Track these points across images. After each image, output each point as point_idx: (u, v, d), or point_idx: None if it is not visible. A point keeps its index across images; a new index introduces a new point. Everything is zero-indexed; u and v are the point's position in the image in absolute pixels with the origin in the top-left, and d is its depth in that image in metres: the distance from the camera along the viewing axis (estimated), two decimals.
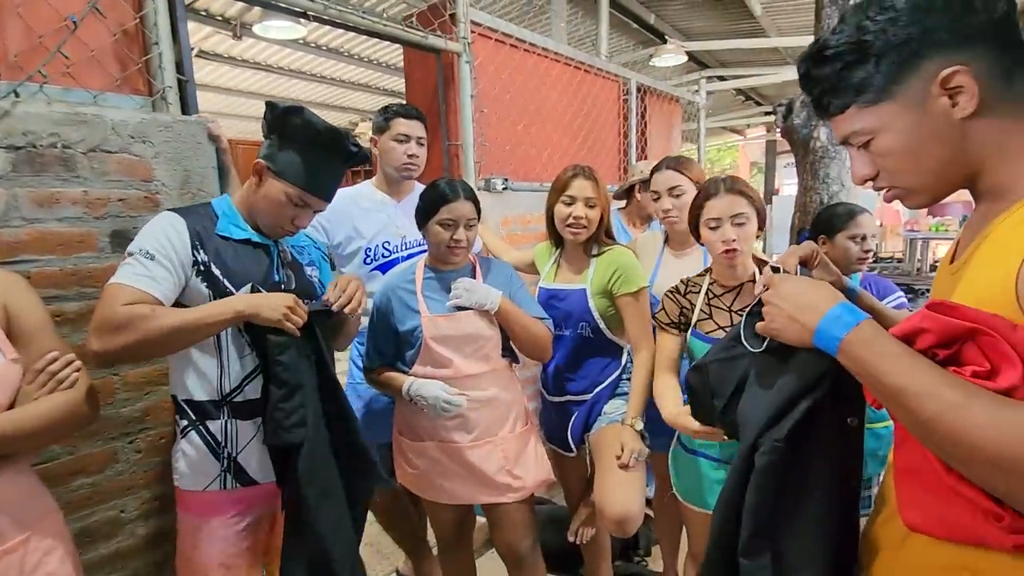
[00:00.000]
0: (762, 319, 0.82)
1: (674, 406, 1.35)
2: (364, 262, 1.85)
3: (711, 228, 1.36)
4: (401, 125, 1.83)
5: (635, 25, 4.80)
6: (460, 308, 1.46)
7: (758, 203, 1.38)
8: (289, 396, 1.13)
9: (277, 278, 1.25)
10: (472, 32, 2.22)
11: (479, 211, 1.52)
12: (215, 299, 1.14)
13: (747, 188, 1.38)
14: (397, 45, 2.38)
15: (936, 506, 0.64)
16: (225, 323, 1.11)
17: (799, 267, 0.89)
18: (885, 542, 0.76)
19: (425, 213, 1.49)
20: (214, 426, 1.19)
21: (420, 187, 2.00)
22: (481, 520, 1.85)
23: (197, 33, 4.20)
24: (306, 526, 1.15)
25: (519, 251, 2.06)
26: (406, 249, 1.88)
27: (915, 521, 0.67)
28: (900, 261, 6.54)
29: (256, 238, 1.23)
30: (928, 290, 4.25)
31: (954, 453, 0.58)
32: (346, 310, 1.23)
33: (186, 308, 1.10)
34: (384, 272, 1.84)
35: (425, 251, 1.84)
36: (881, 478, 2.24)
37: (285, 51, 4.79)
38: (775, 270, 0.88)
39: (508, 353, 1.54)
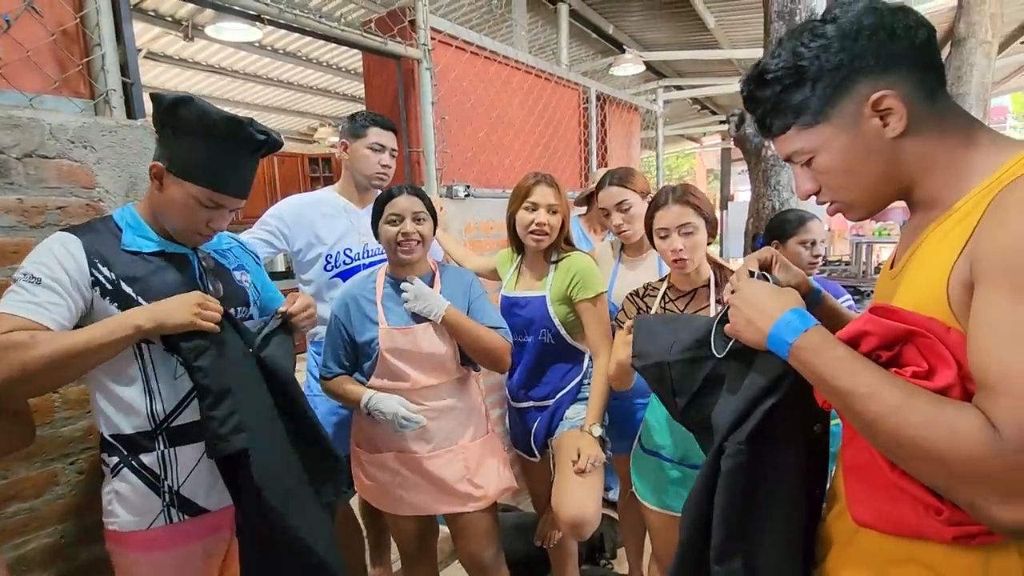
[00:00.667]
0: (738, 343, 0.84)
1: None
2: (325, 268, 1.82)
3: (661, 238, 1.40)
4: (376, 134, 1.82)
5: (594, 35, 4.89)
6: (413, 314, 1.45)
7: (707, 212, 1.40)
8: (217, 402, 1.03)
9: (203, 288, 1.16)
10: (432, 39, 2.21)
11: (431, 210, 1.50)
12: None
13: (695, 198, 1.40)
14: (356, 50, 2.34)
15: (882, 503, 0.67)
16: (125, 341, 0.99)
17: (763, 273, 0.92)
18: (837, 536, 0.79)
19: (374, 218, 1.49)
20: (149, 459, 1.09)
21: None
22: (444, 530, 1.83)
23: (146, 34, 4.04)
24: (276, 537, 1.06)
25: (482, 258, 2.06)
26: (368, 256, 1.86)
27: (863, 517, 0.70)
28: (847, 264, 6.83)
29: (170, 248, 1.13)
30: (872, 292, 4.46)
31: (896, 451, 0.61)
32: (298, 319, 1.19)
33: (76, 330, 0.98)
34: (345, 279, 1.81)
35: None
36: (831, 474, 2.34)
37: (240, 54, 4.66)
38: (751, 275, 0.90)
39: (468, 361, 1.53)
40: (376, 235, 1.52)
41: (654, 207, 1.43)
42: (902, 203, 0.77)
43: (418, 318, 1.45)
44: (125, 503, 1.10)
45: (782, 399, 0.78)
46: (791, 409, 0.79)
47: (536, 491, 1.88)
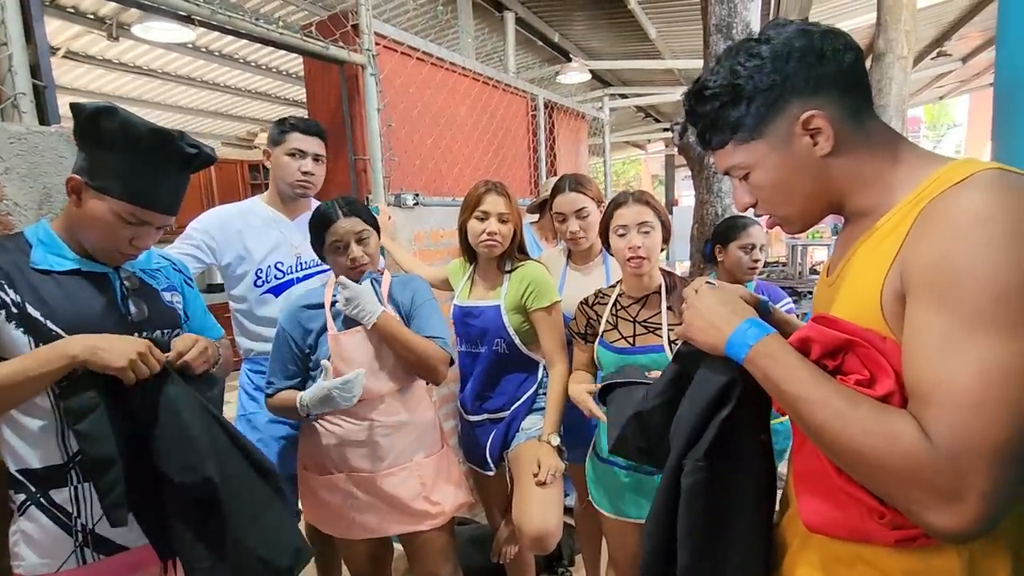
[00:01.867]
0: (687, 346, 0.85)
1: (580, 386, 1.44)
2: (255, 284, 1.73)
3: (619, 235, 1.42)
4: (296, 140, 1.72)
5: (540, 43, 4.94)
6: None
7: (663, 215, 1.45)
8: (100, 471, 0.94)
9: (123, 311, 1.07)
10: (377, 44, 2.16)
11: (372, 222, 1.45)
12: (39, 347, 0.95)
13: (654, 200, 1.45)
14: (296, 54, 2.26)
15: (829, 508, 0.69)
16: (57, 373, 0.92)
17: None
18: (791, 539, 0.81)
19: (315, 244, 1.45)
20: (60, 496, 1.01)
21: (316, 204, 1.92)
22: (399, 547, 1.77)
23: (64, 32, 3.77)
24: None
25: (432, 268, 2.03)
26: (302, 269, 1.78)
27: (812, 522, 0.72)
28: (784, 265, 7.18)
29: (87, 266, 1.05)
30: (809, 292, 4.70)
31: (840, 456, 0.63)
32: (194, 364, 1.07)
33: (2, 362, 0.92)
34: (277, 295, 1.73)
35: (324, 271, 1.79)
36: (781, 471, 2.42)
37: (171, 55, 4.42)
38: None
39: None
40: (321, 258, 1.49)
41: (614, 206, 1.46)
42: None
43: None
44: (33, 544, 1.01)
45: (733, 411, 0.79)
46: (741, 421, 0.80)
47: (491, 505, 1.85)
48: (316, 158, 1.76)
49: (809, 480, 0.73)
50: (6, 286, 0.96)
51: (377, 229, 1.49)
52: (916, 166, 0.68)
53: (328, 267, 1.79)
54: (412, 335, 1.41)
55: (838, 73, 0.70)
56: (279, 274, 1.75)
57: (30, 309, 0.97)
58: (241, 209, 1.79)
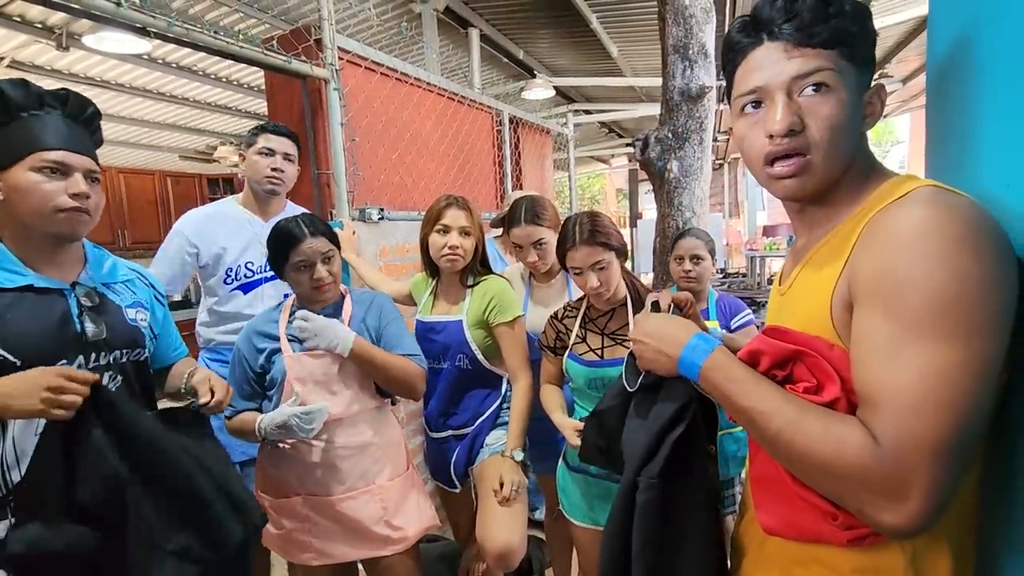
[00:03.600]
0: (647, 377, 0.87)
1: (560, 412, 1.45)
2: (224, 282, 1.76)
3: (576, 274, 1.42)
4: (266, 139, 1.81)
5: (505, 59, 5.01)
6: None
7: (616, 243, 1.40)
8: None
9: (78, 330, 1.02)
10: (340, 59, 2.15)
11: (335, 241, 1.43)
12: None
13: (602, 233, 1.37)
14: (257, 67, 2.23)
15: (785, 511, 0.71)
16: None
17: (675, 308, 0.97)
18: (748, 543, 0.83)
19: (276, 261, 1.39)
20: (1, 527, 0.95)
21: (292, 205, 1.97)
22: (363, 571, 1.73)
23: (10, 41, 3.62)
24: None
25: (397, 283, 2.01)
26: (271, 269, 1.78)
27: (770, 525, 0.74)
28: (744, 276, 7.41)
29: (40, 282, 1.00)
30: (767, 301, 4.86)
31: (793, 462, 0.65)
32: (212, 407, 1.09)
33: None
34: (246, 293, 1.78)
35: None
36: (743, 477, 2.47)
37: (125, 66, 4.29)
38: (655, 306, 0.94)
39: (383, 391, 1.47)
40: (279, 275, 1.43)
41: (563, 246, 1.41)
42: (787, 220, 0.83)
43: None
44: None
45: (687, 429, 0.81)
46: (693, 436, 0.82)
47: (458, 522, 1.84)
48: (286, 156, 1.85)
49: (765, 485, 0.75)
50: None
51: (339, 247, 1.47)
52: (875, 180, 0.71)
53: None
54: (387, 355, 1.39)
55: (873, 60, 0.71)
56: (248, 273, 1.80)
57: None
58: (214, 209, 1.85)
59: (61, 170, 0.99)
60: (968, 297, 0.56)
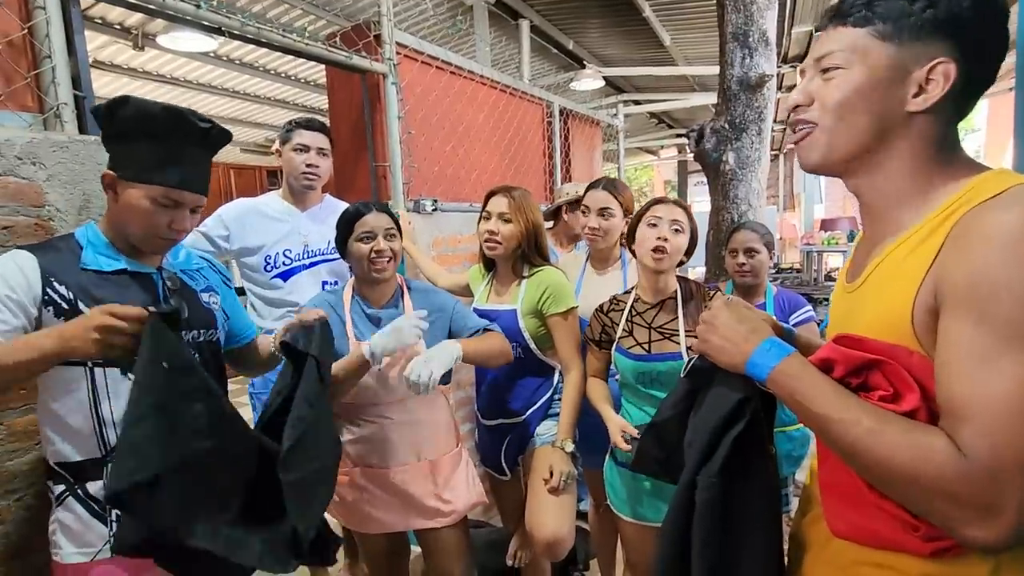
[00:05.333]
0: (701, 361, 0.85)
1: (607, 405, 1.50)
2: (264, 269, 1.87)
3: (650, 225, 1.46)
4: (300, 136, 1.87)
5: (555, 50, 4.98)
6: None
7: (694, 225, 1.50)
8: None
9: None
10: (398, 53, 2.20)
11: (398, 227, 1.49)
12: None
13: (690, 210, 1.52)
14: (316, 62, 2.32)
15: (859, 518, 0.69)
16: (31, 365, 0.90)
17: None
18: (813, 540, 0.81)
19: (343, 235, 1.47)
20: (95, 487, 1.05)
21: (329, 198, 2.04)
22: (416, 550, 1.80)
23: (92, 42, 3.87)
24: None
25: (452, 274, 2.06)
26: (308, 257, 1.91)
27: (840, 530, 0.72)
28: (799, 271, 7.13)
29: (133, 266, 1.09)
30: (825, 299, 4.65)
31: (871, 473, 0.63)
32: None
33: None
34: (285, 280, 1.88)
35: (328, 260, 1.91)
36: (797, 477, 2.40)
37: (193, 63, 4.52)
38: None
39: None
40: (343, 253, 1.50)
41: (652, 202, 1.51)
42: (847, 214, 0.80)
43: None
44: (69, 533, 1.05)
45: (745, 428, 0.80)
46: (753, 436, 0.81)
47: (506, 509, 1.87)
48: (320, 151, 1.90)
49: (837, 492, 0.72)
50: (56, 283, 1.00)
51: (401, 235, 1.52)
52: (954, 174, 0.67)
53: (333, 257, 1.90)
54: (482, 342, 1.47)
55: (992, 53, 0.66)
56: (287, 260, 1.88)
57: (81, 306, 1.01)
58: (258, 200, 1.96)
59: (173, 205, 1.06)
60: None
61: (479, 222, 1.70)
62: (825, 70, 0.70)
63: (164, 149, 1.03)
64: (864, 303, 0.71)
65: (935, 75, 0.65)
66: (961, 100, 0.67)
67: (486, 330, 1.53)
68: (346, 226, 1.45)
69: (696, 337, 0.85)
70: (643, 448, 1.07)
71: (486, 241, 1.66)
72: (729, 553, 0.81)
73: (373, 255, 1.42)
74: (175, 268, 1.20)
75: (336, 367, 1.31)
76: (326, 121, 2.14)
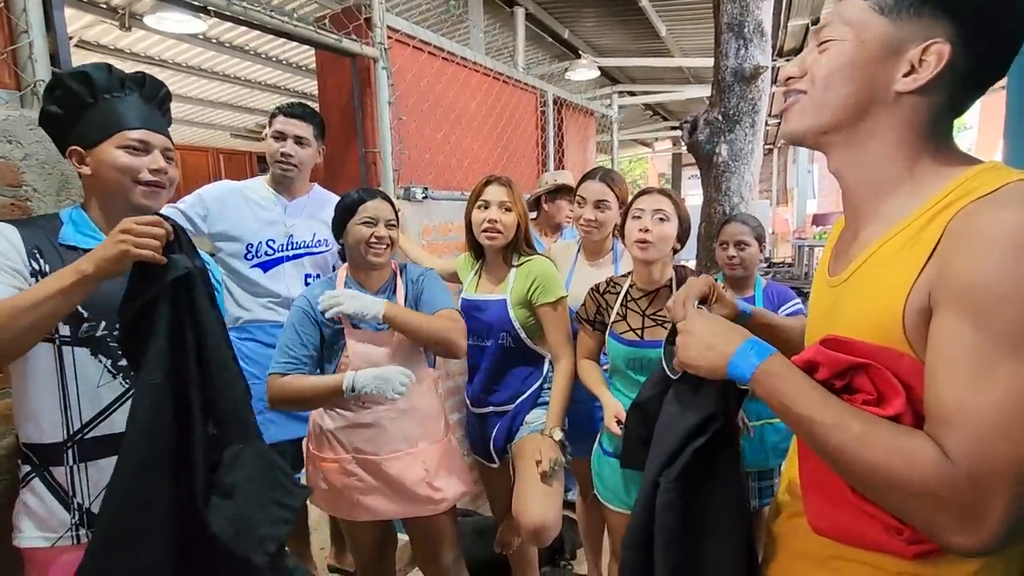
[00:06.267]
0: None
1: (604, 387, 1.51)
2: (245, 258, 1.79)
3: (634, 217, 1.45)
4: (279, 123, 1.80)
5: (550, 39, 4.94)
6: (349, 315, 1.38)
7: (682, 211, 1.47)
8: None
9: None
10: (389, 37, 2.17)
11: (398, 218, 1.50)
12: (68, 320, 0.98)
13: (676, 197, 1.49)
14: (307, 46, 2.27)
15: (842, 519, 0.68)
16: (75, 289, 0.89)
17: (700, 304, 0.92)
18: (790, 533, 0.81)
19: (343, 218, 1.45)
20: (59, 472, 1.03)
21: (317, 188, 1.97)
22: (403, 538, 1.80)
23: (77, 21, 3.79)
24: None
25: (441, 260, 2.04)
26: (292, 249, 1.84)
27: (823, 528, 0.71)
28: (790, 266, 7.18)
29: None
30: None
31: (856, 476, 0.62)
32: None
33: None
34: (266, 271, 1.80)
35: (313, 253, 1.86)
36: (783, 469, 2.41)
37: (182, 46, 4.44)
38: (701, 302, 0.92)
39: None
40: (339, 236, 1.49)
41: (638, 194, 1.49)
42: (840, 209, 0.78)
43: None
44: (32, 516, 1.04)
45: (707, 443, 0.81)
46: (716, 451, 0.81)
47: (495, 497, 1.87)
48: (298, 140, 1.81)
49: (819, 491, 0.71)
50: (39, 257, 1.01)
51: (398, 224, 1.52)
52: (943, 166, 0.64)
53: (318, 250, 1.85)
54: (421, 316, 1.42)
55: (996, 44, 0.63)
56: (269, 251, 1.81)
57: None
58: (243, 185, 1.87)
59: (143, 148, 1.07)
60: None
61: (471, 211, 1.67)
62: (822, 42, 0.70)
63: (110, 105, 1.06)
64: (850, 300, 0.69)
65: (928, 56, 0.62)
66: (956, 91, 0.64)
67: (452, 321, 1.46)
68: (350, 207, 1.45)
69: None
70: (629, 428, 1.08)
71: (485, 231, 1.63)
72: (694, 556, 0.82)
73: (373, 239, 1.42)
74: None
75: (313, 384, 1.36)
76: (317, 107, 2.11)
